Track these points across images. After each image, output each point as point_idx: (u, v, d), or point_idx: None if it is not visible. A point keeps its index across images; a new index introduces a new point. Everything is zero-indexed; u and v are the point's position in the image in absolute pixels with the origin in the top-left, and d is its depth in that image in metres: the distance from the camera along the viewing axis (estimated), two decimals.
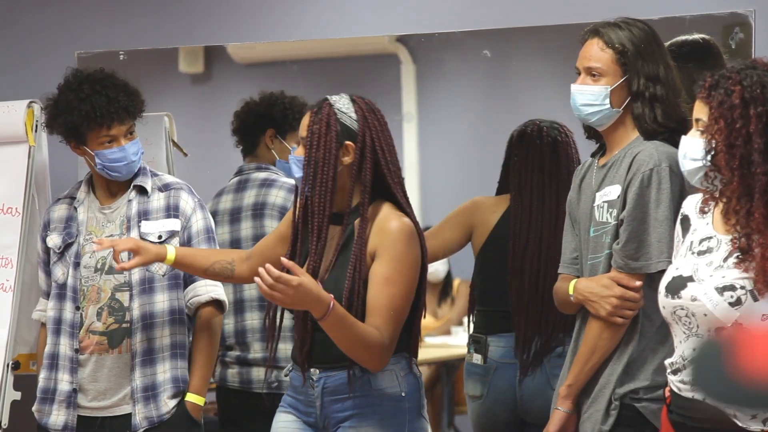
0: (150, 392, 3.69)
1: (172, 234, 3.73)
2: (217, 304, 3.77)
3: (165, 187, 3.79)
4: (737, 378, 1.93)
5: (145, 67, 4.75)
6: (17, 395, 3.99)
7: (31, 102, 4.10)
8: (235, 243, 4.21)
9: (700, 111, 2.85)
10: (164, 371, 3.69)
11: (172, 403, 3.69)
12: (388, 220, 3.16)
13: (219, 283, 3.77)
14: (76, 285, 3.74)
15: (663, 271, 2.98)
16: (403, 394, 3.20)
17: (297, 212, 3.26)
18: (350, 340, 3.08)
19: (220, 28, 4.72)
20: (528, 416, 3.88)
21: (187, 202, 3.77)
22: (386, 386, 3.19)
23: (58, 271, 3.78)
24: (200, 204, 3.80)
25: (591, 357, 3.18)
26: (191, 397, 3.71)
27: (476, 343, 3.97)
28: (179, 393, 3.71)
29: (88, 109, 3.65)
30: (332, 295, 3.05)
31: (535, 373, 3.87)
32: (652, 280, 3.10)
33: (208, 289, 3.75)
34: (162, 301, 3.72)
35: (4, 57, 4.81)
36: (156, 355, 3.70)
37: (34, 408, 3.78)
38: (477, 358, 3.96)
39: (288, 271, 2.99)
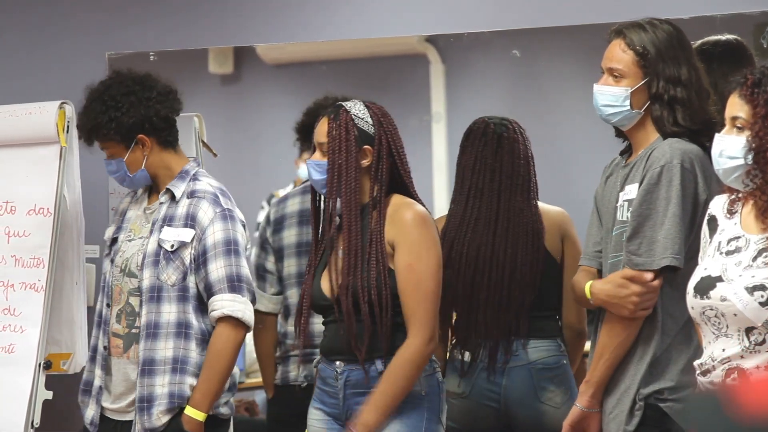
0: (146, 403, 3.57)
1: (183, 245, 3.60)
2: (234, 320, 3.56)
3: (191, 194, 3.65)
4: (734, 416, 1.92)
5: (174, 68, 4.76)
6: (49, 395, 4.00)
7: (62, 103, 4.10)
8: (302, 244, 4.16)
9: (739, 109, 2.82)
10: (162, 385, 3.56)
11: (165, 418, 3.56)
12: (400, 209, 3.30)
13: (239, 299, 3.58)
14: (109, 282, 3.74)
15: (682, 269, 2.97)
16: (423, 393, 3.27)
17: (319, 214, 3.39)
18: (401, 389, 3.23)
19: (250, 29, 4.72)
20: (514, 422, 3.72)
21: (206, 212, 3.61)
22: None
23: (106, 265, 3.79)
24: (223, 215, 3.61)
25: (604, 352, 3.17)
26: (189, 411, 3.55)
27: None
28: (174, 408, 3.56)
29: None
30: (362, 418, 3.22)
31: (521, 379, 3.70)
32: (673, 277, 3.10)
33: (223, 304, 3.57)
34: (168, 312, 3.59)
35: (36, 58, 4.83)
36: (157, 366, 3.57)
37: (79, 399, 3.79)
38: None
39: None
